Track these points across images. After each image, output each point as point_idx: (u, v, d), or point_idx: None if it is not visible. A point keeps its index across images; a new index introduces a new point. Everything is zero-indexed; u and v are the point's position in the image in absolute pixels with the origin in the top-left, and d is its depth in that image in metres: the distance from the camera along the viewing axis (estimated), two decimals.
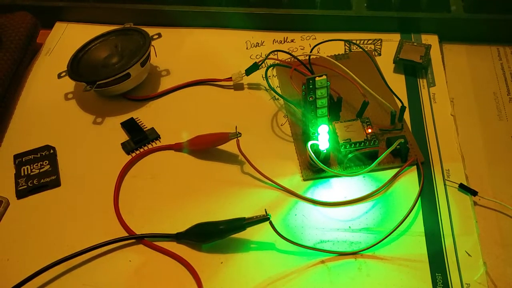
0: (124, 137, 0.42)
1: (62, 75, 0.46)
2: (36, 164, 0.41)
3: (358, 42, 0.48)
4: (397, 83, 0.44)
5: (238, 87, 0.46)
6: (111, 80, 0.43)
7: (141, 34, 0.46)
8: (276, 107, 0.44)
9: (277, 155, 0.40)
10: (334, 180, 0.38)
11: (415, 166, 0.38)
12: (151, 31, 0.46)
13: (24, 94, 0.47)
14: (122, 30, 0.47)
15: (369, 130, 0.38)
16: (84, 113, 0.45)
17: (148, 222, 0.37)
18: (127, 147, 0.42)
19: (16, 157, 0.41)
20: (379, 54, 0.47)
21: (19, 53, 0.47)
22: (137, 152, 0.41)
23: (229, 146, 0.40)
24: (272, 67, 0.46)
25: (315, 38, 0.49)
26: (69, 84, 0.46)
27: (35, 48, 0.51)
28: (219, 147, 0.40)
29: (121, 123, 0.43)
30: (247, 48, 0.49)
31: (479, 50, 0.47)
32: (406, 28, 0.48)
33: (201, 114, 0.44)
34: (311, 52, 0.46)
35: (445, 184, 0.37)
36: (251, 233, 0.35)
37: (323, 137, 0.36)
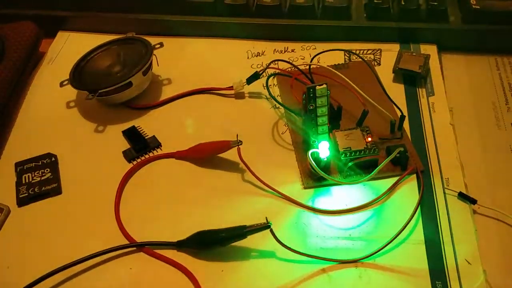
0: (125, 145, 0.43)
1: (64, 83, 0.46)
2: (38, 172, 0.41)
3: (357, 52, 0.48)
4: (397, 93, 0.44)
5: (239, 96, 0.46)
6: (113, 89, 0.43)
7: (143, 44, 0.46)
8: (276, 116, 0.44)
9: (277, 163, 0.40)
10: (334, 188, 0.38)
11: (414, 175, 0.39)
12: (153, 40, 0.46)
13: (26, 102, 0.47)
14: (125, 39, 0.48)
15: (369, 139, 0.39)
16: (86, 121, 0.45)
17: (149, 230, 0.37)
18: (128, 155, 0.42)
19: (17, 165, 0.42)
20: (379, 64, 0.48)
21: (21, 62, 0.48)
22: (139, 160, 0.42)
23: (230, 154, 0.40)
24: (272, 76, 0.47)
25: (315, 48, 0.49)
26: (71, 92, 0.46)
27: (37, 57, 0.51)
28: (220, 155, 0.40)
29: (123, 131, 0.44)
30: (248, 57, 0.49)
31: (478, 60, 0.47)
32: (405, 38, 0.49)
33: (202, 123, 0.44)
34: (311, 61, 0.46)
35: (444, 193, 0.37)
36: (252, 241, 0.35)
37: (323, 146, 0.37)
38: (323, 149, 0.37)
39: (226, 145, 0.39)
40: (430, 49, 0.48)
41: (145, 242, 0.36)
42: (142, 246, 0.36)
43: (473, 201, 0.36)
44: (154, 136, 0.43)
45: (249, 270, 0.34)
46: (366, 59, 0.47)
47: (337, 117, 0.41)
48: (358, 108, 0.41)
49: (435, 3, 0.48)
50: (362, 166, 0.38)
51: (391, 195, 0.38)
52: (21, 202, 0.39)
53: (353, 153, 0.38)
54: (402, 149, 0.38)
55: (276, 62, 0.46)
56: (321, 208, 0.37)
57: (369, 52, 0.49)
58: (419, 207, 0.36)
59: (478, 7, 0.47)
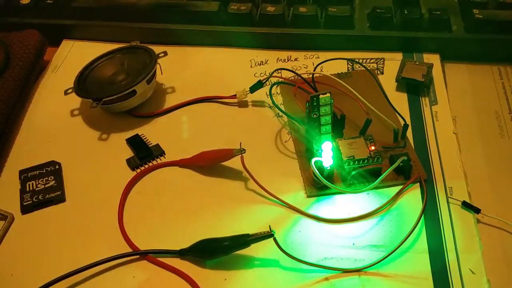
0: (129, 153, 0.43)
1: (68, 91, 0.46)
2: (42, 179, 0.41)
3: (360, 61, 0.48)
4: (400, 101, 0.44)
5: (243, 104, 0.46)
6: (117, 97, 0.43)
7: (148, 52, 0.46)
8: (280, 124, 0.44)
9: (281, 171, 0.40)
10: (337, 197, 0.38)
11: (418, 184, 0.39)
12: (157, 49, 0.47)
13: (30, 110, 0.48)
14: (129, 48, 0.48)
15: (372, 147, 0.39)
16: (90, 129, 0.45)
17: (152, 238, 0.37)
18: (132, 163, 0.42)
19: (21, 172, 0.42)
20: (382, 73, 0.48)
21: (26, 71, 0.48)
22: (142, 168, 0.42)
23: (234, 163, 0.40)
24: (276, 85, 0.47)
25: (318, 57, 0.50)
26: (75, 100, 0.47)
27: (42, 65, 0.51)
28: (224, 163, 0.40)
29: (127, 140, 0.44)
30: (251, 66, 0.50)
31: (480, 69, 0.47)
32: (408, 48, 0.49)
33: (206, 131, 0.44)
34: (314, 70, 0.46)
35: (448, 202, 0.37)
36: (255, 250, 0.35)
37: (326, 154, 0.37)
38: (326, 157, 0.37)
39: (229, 153, 0.39)
40: (433, 58, 0.48)
41: (148, 250, 0.36)
42: (145, 254, 0.36)
43: (476, 210, 0.36)
44: (157, 144, 0.43)
45: (252, 279, 0.34)
46: (369, 68, 0.47)
47: (341, 126, 0.41)
48: (361, 117, 0.41)
49: (438, 13, 0.48)
50: (366, 175, 0.38)
51: (395, 204, 0.38)
52: (25, 210, 0.39)
53: (356, 161, 0.38)
54: (405, 157, 0.38)
55: (280, 70, 0.46)
56: (324, 217, 0.37)
57: (372, 61, 0.49)
58: (423, 216, 0.36)
59: (480, 16, 0.47)
